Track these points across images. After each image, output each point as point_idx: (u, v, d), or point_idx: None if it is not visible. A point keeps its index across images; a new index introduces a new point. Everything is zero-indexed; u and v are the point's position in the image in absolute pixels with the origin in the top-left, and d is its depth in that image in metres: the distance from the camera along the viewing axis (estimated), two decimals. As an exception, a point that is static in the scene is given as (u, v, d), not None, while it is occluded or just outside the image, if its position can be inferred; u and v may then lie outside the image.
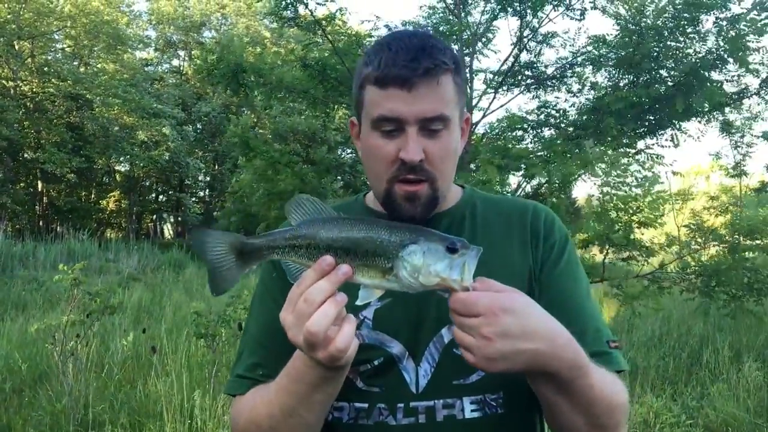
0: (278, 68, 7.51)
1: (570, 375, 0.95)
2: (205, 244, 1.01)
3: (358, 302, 0.95)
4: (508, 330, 0.88)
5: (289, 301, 0.93)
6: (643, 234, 6.04)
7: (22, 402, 4.76)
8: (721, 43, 6.22)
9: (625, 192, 5.69)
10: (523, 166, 6.55)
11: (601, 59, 7.06)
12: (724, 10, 6.18)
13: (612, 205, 5.53)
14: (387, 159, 1.10)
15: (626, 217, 5.54)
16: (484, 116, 7.85)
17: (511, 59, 7.54)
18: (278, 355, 1.11)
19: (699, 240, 6.75)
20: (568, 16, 7.17)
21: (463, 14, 7.41)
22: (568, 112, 7.78)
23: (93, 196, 26.20)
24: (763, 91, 6.92)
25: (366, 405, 1.12)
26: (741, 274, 5.54)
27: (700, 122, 7.18)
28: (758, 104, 7.29)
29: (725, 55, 6.19)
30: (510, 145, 6.74)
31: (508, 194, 7.05)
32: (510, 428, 1.13)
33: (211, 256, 1.01)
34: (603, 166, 5.74)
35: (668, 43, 6.38)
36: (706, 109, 6.73)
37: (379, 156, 1.11)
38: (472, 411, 1.10)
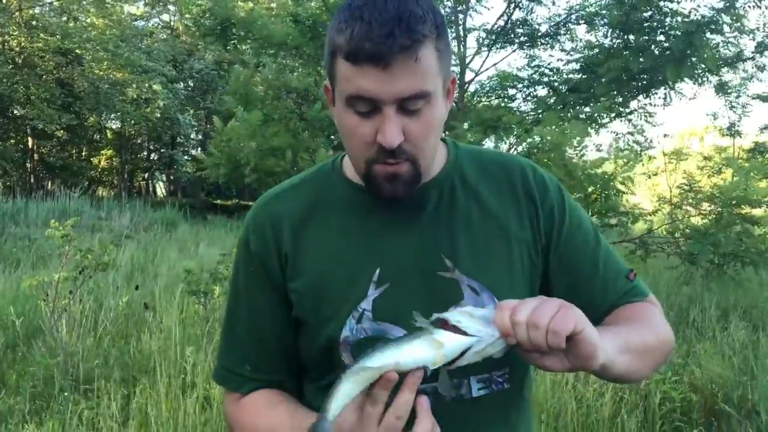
0: (269, 23, 7.39)
1: (615, 352, 0.99)
2: None
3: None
4: (534, 299, 0.93)
5: (368, 420, 0.92)
6: (626, 200, 6.08)
7: (15, 357, 4.81)
8: (716, 3, 6.17)
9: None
10: (514, 131, 6.54)
11: (595, 18, 6.99)
12: None
13: (583, 174, 5.55)
14: (364, 140, 1.02)
15: (596, 189, 5.56)
16: (476, 75, 7.80)
17: (505, 17, 7.46)
18: (264, 352, 1.15)
19: (691, 201, 6.79)
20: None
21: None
22: (562, 70, 7.74)
23: (84, 153, 26.00)
24: (758, 56, 6.90)
25: None
26: (729, 239, 5.59)
27: (695, 83, 7.16)
28: (752, 68, 7.28)
29: (720, 16, 6.13)
30: (502, 105, 6.71)
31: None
32: (513, 401, 1.15)
33: None
34: (578, 139, 5.75)
35: (660, 2, 6.31)
36: (703, 71, 6.71)
37: (355, 137, 1.03)
38: (479, 389, 1.09)
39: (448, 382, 1.01)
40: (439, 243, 1.10)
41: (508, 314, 0.90)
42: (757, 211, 6.11)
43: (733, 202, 5.79)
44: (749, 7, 6.18)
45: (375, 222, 1.12)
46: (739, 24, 6.18)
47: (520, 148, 6.87)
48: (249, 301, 1.18)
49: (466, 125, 6.98)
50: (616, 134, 8.43)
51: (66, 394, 3.81)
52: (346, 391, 0.90)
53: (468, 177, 1.17)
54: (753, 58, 7.03)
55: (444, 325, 0.91)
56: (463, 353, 0.91)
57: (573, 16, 7.38)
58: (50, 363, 4.35)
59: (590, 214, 5.79)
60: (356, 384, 0.91)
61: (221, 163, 7.43)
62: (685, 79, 6.81)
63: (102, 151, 26.53)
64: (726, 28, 6.33)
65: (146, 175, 29.53)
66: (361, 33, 0.94)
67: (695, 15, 6.31)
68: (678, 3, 6.40)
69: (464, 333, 0.90)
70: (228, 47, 7.40)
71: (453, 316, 0.91)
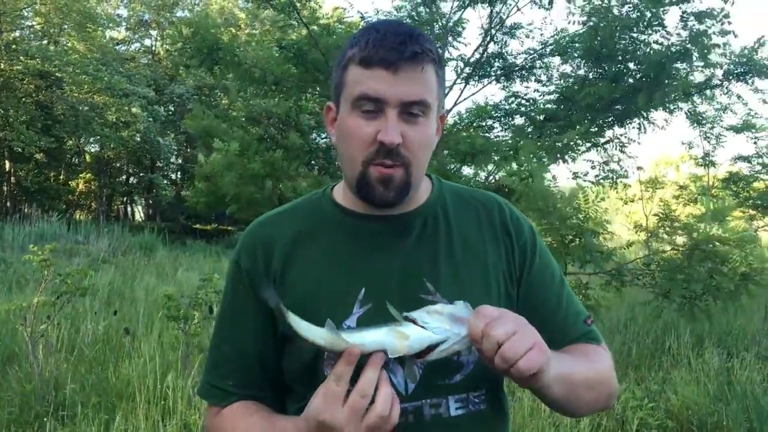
0: (254, 48, 7.46)
1: (563, 367, 1.07)
2: None
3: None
4: (512, 317, 0.98)
5: (331, 399, 0.96)
6: (603, 237, 6.19)
7: (-9, 383, 4.74)
8: (684, 35, 6.36)
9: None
10: (494, 157, 6.66)
11: (568, 50, 7.17)
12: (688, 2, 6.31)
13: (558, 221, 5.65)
14: (365, 140, 1.09)
15: (570, 233, 5.68)
16: (455, 105, 7.94)
17: (481, 50, 7.62)
18: (247, 371, 1.19)
19: (667, 229, 6.90)
20: (536, 4, 7.26)
21: (433, 6, 7.47)
22: (538, 101, 7.91)
23: (62, 176, 25.75)
24: (725, 83, 7.11)
25: None
26: (700, 276, 5.71)
27: (666, 110, 7.35)
28: (725, 95, 7.48)
29: (690, 47, 6.33)
30: (479, 135, 6.83)
31: (479, 185, 7.14)
32: (490, 422, 1.19)
33: None
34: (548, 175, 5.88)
35: (633, 34, 6.50)
36: (673, 98, 6.90)
37: (356, 136, 1.11)
38: (456, 409, 1.13)
39: (414, 373, 1.07)
40: (422, 268, 1.16)
41: (483, 324, 0.96)
42: (728, 248, 6.23)
43: (704, 239, 5.93)
44: (714, 34, 6.39)
45: (362, 245, 1.18)
46: (706, 52, 6.38)
47: (498, 176, 6.98)
48: (236, 318, 1.23)
49: (445, 152, 7.08)
50: (593, 163, 8.57)
51: (45, 420, 3.75)
52: None
53: (450, 209, 1.25)
54: (721, 85, 7.24)
55: (414, 323, 0.97)
56: (431, 349, 0.98)
57: (547, 49, 7.55)
58: (27, 389, 4.30)
59: (565, 255, 5.87)
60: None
61: (203, 194, 7.47)
62: (658, 108, 7.00)
63: (80, 175, 26.27)
64: (694, 56, 6.53)
65: (125, 199, 29.28)
66: (376, 41, 1.07)
67: (665, 44, 6.51)
68: (648, 35, 6.59)
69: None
70: (213, 71, 7.44)
71: (421, 316, 0.98)
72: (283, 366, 1.20)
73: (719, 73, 7.16)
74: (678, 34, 6.56)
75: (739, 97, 7.78)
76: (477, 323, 0.96)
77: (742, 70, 6.98)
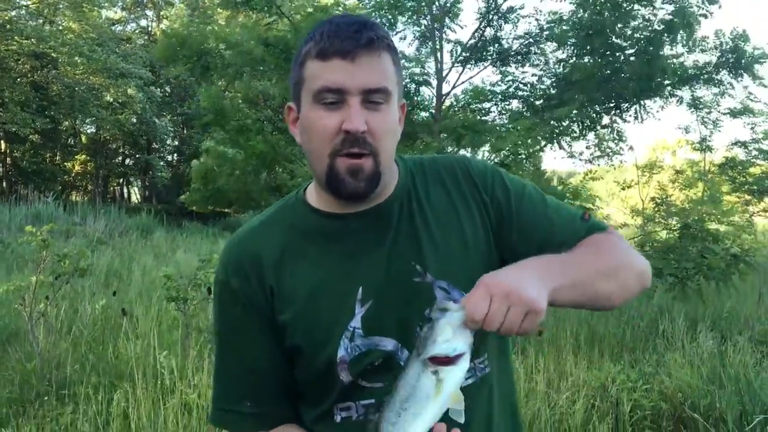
0: (242, 45, 7.41)
1: (563, 273, 1.08)
2: None
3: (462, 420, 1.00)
4: (510, 280, 1.00)
5: None
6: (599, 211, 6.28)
7: (-9, 361, 4.77)
8: (670, 9, 6.38)
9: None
10: (489, 139, 6.69)
11: (561, 34, 7.17)
12: None
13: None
14: (329, 131, 1.08)
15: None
16: (453, 88, 7.94)
17: (477, 34, 7.62)
18: (263, 387, 1.19)
19: (663, 214, 6.96)
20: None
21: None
22: (535, 85, 7.92)
23: (58, 158, 25.69)
24: (720, 72, 7.13)
25: (373, 400, 1.15)
26: (690, 255, 5.76)
27: (662, 98, 7.37)
28: (716, 86, 7.50)
29: (675, 20, 6.34)
30: (475, 118, 6.85)
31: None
32: (497, 379, 1.24)
33: None
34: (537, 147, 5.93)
35: (621, 9, 6.50)
36: (667, 85, 6.93)
37: (320, 129, 1.09)
38: (467, 379, 1.16)
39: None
40: (408, 253, 1.18)
41: (480, 322, 0.97)
42: (722, 228, 6.29)
43: (698, 219, 6.00)
44: (701, 17, 6.43)
45: (349, 246, 1.18)
46: (690, 33, 6.42)
47: (495, 158, 7.00)
48: (241, 338, 1.22)
49: (443, 135, 7.09)
50: (588, 142, 8.60)
51: (47, 398, 3.79)
52: None
53: (419, 186, 1.25)
54: (715, 73, 7.26)
55: (436, 360, 0.97)
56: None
57: (543, 35, 7.54)
58: (27, 368, 4.33)
59: None
60: None
61: (199, 193, 7.52)
62: (653, 96, 7.04)
63: (76, 156, 26.22)
64: (680, 37, 6.56)
65: (121, 181, 29.24)
66: (331, 32, 1.07)
67: (652, 20, 6.55)
68: (636, 11, 6.61)
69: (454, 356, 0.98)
70: (205, 76, 7.44)
71: (441, 348, 0.97)
72: (295, 376, 1.21)
73: (713, 60, 7.19)
74: (663, 8, 6.59)
75: (732, 86, 7.80)
76: (475, 325, 0.98)
77: (733, 59, 7.00)
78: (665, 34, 6.44)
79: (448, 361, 0.96)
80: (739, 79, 7.58)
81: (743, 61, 6.91)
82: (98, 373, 4.35)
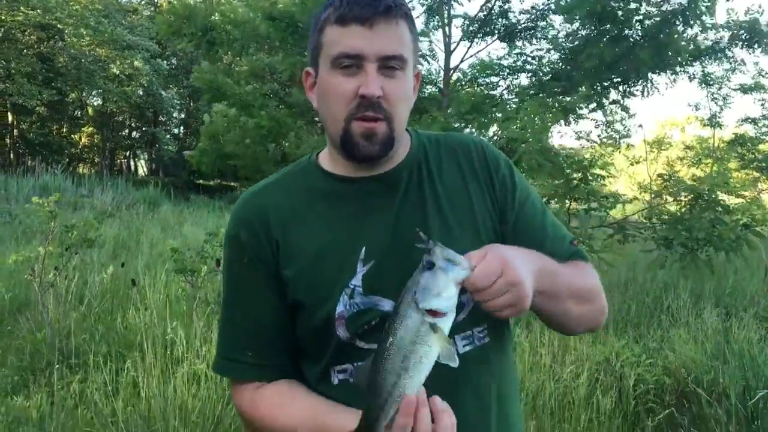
0: (248, 23, 7.33)
1: (552, 282, 1.12)
2: None
3: (453, 364, 1.01)
4: (520, 267, 1.01)
5: None
6: (604, 185, 6.25)
7: (3, 331, 4.83)
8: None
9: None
10: (497, 115, 6.66)
11: (570, 10, 7.08)
12: None
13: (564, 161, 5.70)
14: (346, 96, 1.12)
15: (578, 175, 5.73)
16: (461, 62, 7.89)
17: (486, 7, 7.54)
18: (263, 336, 1.21)
19: (671, 191, 6.94)
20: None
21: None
22: (543, 58, 7.85)
23: (65, 130, 25.71)
24: (731, 48, 7.04)
25: None
26: (702, 224, 5.75)
27: (671, 73, 7.29)
28: (729, 62, 7.40)
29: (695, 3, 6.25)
30: (483, 93, 6.80)
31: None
32: (495, 352, 1.25)
33: None
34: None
35: None
36: (679, 62, 6.85)
37: (337, 94, 1.13)
38: (464, 346, 1.19)
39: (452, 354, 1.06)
40: (414, 219, 1.19)
41: (481, 289, 1.00)
42: (732, 199, 6.27)
43: (708, 189, 5.97)
44: None
45: (356, 206, 1.21)
46: (709, 12, 6.32)
47: (503, 134, 6.97)
48: (246, 290, 1.24)
49: (450, 110, 7.05)
50: (596, 122, 8.55)
51: (57, 366, 3.85)
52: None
53: (431, 159, 1.28)
54: (728, 49, 7.15)
55: (432, 312, 0.98)
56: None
57: (551, 7, 7.45)
58: (37, 338, 4.39)
59: (571, 199, 5.93)
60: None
61: (206, 153, 7.48)
62: (663, 71, 6.96)
63: (83, 128, 26.24)
64: (702, 17, 6.46)
65: (128, 153, 29.28)
66: (350, 0, 1.10)
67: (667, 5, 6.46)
68: None
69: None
70: (211, 52, 7.37)
71: (443, 305, 0.98)
72: (296, 330, 1.23)
73: (726, 36, 7.09)
74: None
75: (743, 62, 7.71)
76: (470, 289, 1.01)
77: (747, 35, 6.90)
78: (679, 17, 6.34)
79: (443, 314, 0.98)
80: (753, 52, 7.46)
81: (757, 33, 6.79)
82: (107, 343, 4.41)
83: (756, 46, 7.00)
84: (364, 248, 1.17)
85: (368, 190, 1.22)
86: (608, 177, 6.18)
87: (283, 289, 1.20)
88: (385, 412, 1.00)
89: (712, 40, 7.12)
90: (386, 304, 1.17)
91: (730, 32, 6.99)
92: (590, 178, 5.90)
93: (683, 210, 6.06)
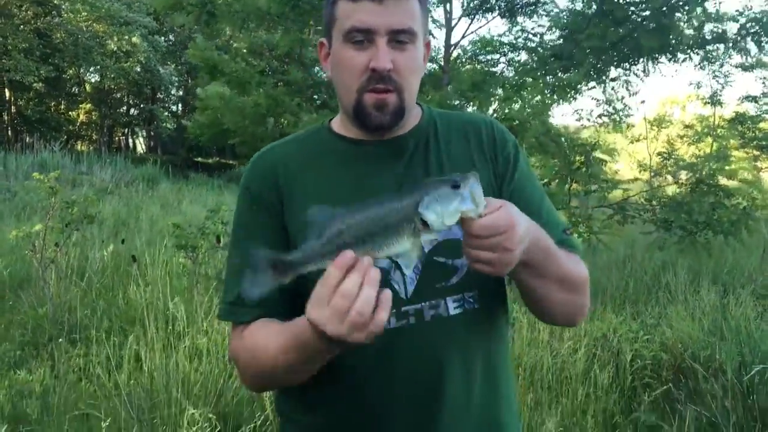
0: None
1: (543, 259, 1.12)
2: (249, 262, 1.05)
3: (406, 272, 1.04)
4: (521, 238, 1.01)
5: (318, 299, 0.97)
6: (610, 167, 6.26)
7: (5, 306, 4.86)
8: None
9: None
10: (499, 93, 6.62)
11: None
12: None
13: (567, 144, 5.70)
14: (358, 69, 1.17)
15: (580, 158, 5.73)
16: (462, 38, 7.82)
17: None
18: None
19: (670, 169, 6.95)
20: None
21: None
22: (544, 35, 7.78)
23: (63, 107, 25.59)
24: (739, 39, 6.94)
25: None
26: (702, 207, 5.76)
27: (673, 61, 7.23)
28: (737, 52, 7.29)
29: None
30: (483, 70, 6.75)
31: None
32: (484, 319, 1.28)
33: (251, 272, 1.05)
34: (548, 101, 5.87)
35: None
36: (683, 49, 6.79)
37: (349, 66, 1.18)
38: (454, 308, 1.22)
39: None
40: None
41: (478, 236, 0.99)
42: (732, 183, 6.28)
43: (710, 174, 5.97)
44: None
45: (362, 167, 1.26)
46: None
47: (503, 115, 6.95)
48: (252, 236, 1.27)
49: (450, 88, 7.00)
50: (597, 101, 8.49)
51: (60, 341, 3.88)
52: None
53: (440, 132, 1.33)
54: (736, 41, 7.05)
55: (423, 223, 0.99)
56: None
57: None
58: (39, 313, 4.42)
59: (572, 182, 5.93)
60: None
61: (204, 126, 7.42)
62: (662, 57, 6.91)
63: (81, 105, 26.09)
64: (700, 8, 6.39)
65: (126, 131, 29.17)
66: None
67: None
68: None
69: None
70: (210, 24, 7.28)
71: (437, 225, 0.98)
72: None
73: (734, 27, 6.98)
74: None
75: (749, 52, 7.58)
76: (466, 230, 1.01)
77: (757, 29, 6.81)
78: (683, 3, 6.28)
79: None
80: (764, 48, 7.41)
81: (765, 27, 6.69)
82: (109, 318, 4.44)
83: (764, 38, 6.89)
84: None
85: (375, 153, 1.26)
86: (611, 161, 6.20)
87: (287, 238, 1.23)
88: (323, 257, 1.00)
89: (715, 31, 7.02)
90: (382, 261, 1.18)
91: (746, 21, 6.87)
92: (592, 161, 5.90)
93: (684, 192, 6.07)
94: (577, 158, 5.82)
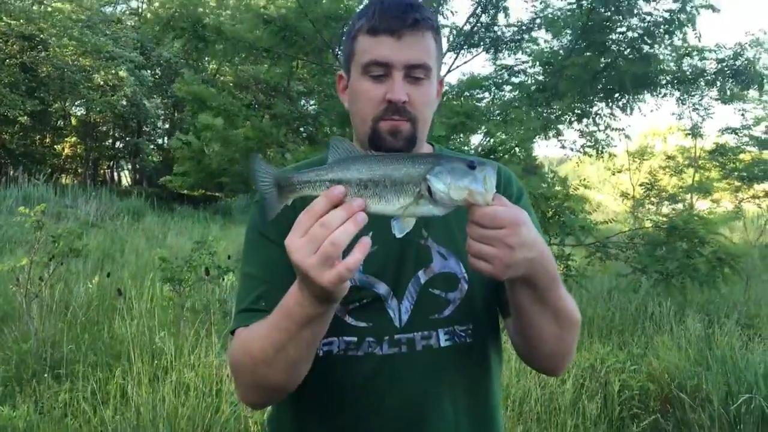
0: (238, 23, 7.31)
1: (547, 283, 1.10)
2: (255, 174, 1.06)
3: (397, 235, 1.01)
4: (525, 240, 0.99)
5: (298, 226, 0.96)
6: (581, 211, 6.29)
7: (-13, 341, 4.79)
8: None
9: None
10: (483, 127, 6.71)
11: (556, 25, 7.14)
12: None
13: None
14: (374, 101, 1.22)
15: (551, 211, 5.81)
16: (447, 72, 7.93)
17: (473, 19, 7.59)
18: (280, 289, 1.15)
19: (653, 200, 7.04)
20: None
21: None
22: (528, 72, 7.92)
23: (48, 140, 25.50)
24: (718, 80, 7.07)
25: (355, 338, 1.24)
26: (676, 254, 5.83)
27: (656, 96, 7.37)
28: (716, 89, 7.42)
29: (676, 19, 6.32)
30: (470, 105, 6.83)
31: (470, 152, 7.20)
32: (475, 355, 1.30)
33: (259, 186, 1.06)
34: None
35: (622, 5, 6.48)
36: (664, 84, 6.93)
37: (366, 98, 1.23)
38: (445, 340, 1.25)
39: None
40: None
41: (481, 223, 0.98)
42: (716, 212, 6.34)
43: (685, 218, 6.07)
44: (701, 8, 6.39)
45: None
46: (691, 24, 6.39)
47: (488, 144, 7.03)
48: (264, 246, 1.28)
49: (436, 120, 7.08)
50: (581, 132, 8.61)
51: (45, 376, 3.83)
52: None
53: None
54: (714, 82, 7.18)
55: (429, 191, 0.99)
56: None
57: (536, 21, 7.52)
58: (23, 348, 4.36)
59: (547, 232, 5.96)
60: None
61: (188, 173, 7.41)
62: (644, 92, 7.04)
63: (66, 138, 26.01)
64: (679, 34, 6.53)
65: (111, 164, 29.08)
66: (381, 12, 1.22)
67: (652, 17, 6.54)
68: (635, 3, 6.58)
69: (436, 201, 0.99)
70: (199, 47, 7.34)
71: (442, 195, 0.98)
72: None
73: (711, 66, 7.12)
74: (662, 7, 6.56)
75: (731, 91, 7.71)
76: (473, 217, 0.99)
77: (732, 71, 6.95)
78: (663, 28, 6.42)
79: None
80: (747, 91, 7.59)
81: (746, 69, 6.81)
82: (94, 352, 4.39)
83: (747, 82, 7.01)
84: (371, 233, 1.19)
85: None
86: (585, 206, 6.24)
87: None
88: (320, 185, 1.01)
89: (694, 68, 7.15)
90: (380, 288, 1.24)
91: (718, 62, 7.02)
92: (565, 211, 5.97)
93: (662, 234, 6.14)
94: (549, 211, 5.90)
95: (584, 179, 6.77)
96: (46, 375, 3.91)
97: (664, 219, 6.66)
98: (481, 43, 7.84)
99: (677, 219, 6.20)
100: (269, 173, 1.05)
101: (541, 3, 7.37)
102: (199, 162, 7.26)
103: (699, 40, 6.70)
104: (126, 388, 3.57)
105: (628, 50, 6.68)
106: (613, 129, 8.17)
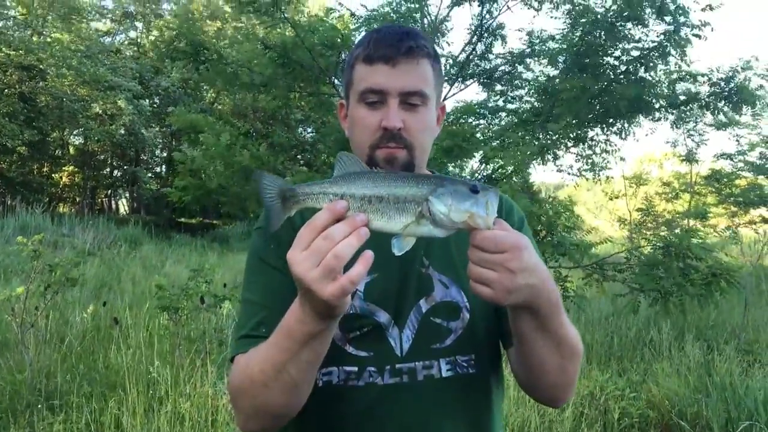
0: (240, 46, 7.40)
1: (549, 311, 1.07)
2: (261, 184, 1.08)
3: (396, 253, 1.00)
4: (527, 265, 0.98)
5: (299, 240, 0.96)
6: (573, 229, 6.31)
7: (-19, 372, 4.75)
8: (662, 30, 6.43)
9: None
10: (480, 153, 6.76)
11: (551, 55, 7.23)
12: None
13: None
14: (370, 128, 1.24)
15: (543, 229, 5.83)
16: (444, 100, 7.99)
17: (469, 48, 7.67)
18: (280, 315, 1.13)
19: (649, 225, 7.05)
20: (526, 4, 7.31)
21: (423, 2, 7.49)
22: (523, 98, 7.99)
23: (46, 169, 25.55)
24: (712, 99, 7.13)
25: (356, 368, 1.22)
26: (672, 272, 5.83)
27: (651, 120, 7.42)
28: (710, 112, 7.48)
29: (665, 42, 6.39)
30: (465, 130, 6.87)
31: (470, 179, 7.22)
32: (477, 385, 1.28)
33: (264, 196, 1.07)
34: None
35: (616, 30, 6.56)
36: (658, 108, 6.99)
37: (363, 125, 1.25)
38: (447, 371, 1.24)
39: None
40: (420, 245, 1.22)
41: (482, 247, 0.98)
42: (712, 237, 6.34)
43: (681, 234, 6.08)
44: (692, 36, 6.45)
45: None
46: (682, 54, 6.47)
47: (484, 172, 7.07)
48: (266, 271, 1.27)
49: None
50: (576, 156, 8.65)
51: (39, 407, 3.79)
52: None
53: None
54: (708, 105, 7.23)
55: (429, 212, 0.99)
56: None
57: (531, 49, 7.59)
58: (18, 379, 4.32)
59: (543, 254, 6.00)
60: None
61: (188, 188, 7.43)
62: (639, 116, 7.10)
63: (64, 167, 26.08)
64: (673, 60, 6.61)
65: (109, 192, 29.11)
66: (377, 41, 1.25)
67: (643, 43, 6.63)
68: (628, 30, 6.66)
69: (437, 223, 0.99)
70: (200, 71, 7.41)
71: (442, 217, 0.98)
72: None
73: (704, 90, 7.19)
74: (654, 30, 6.65)
75: (724, 113, 7.77)
76: (475, 240, 0.99)
77: (726, 92, 7.01)
78: (656, 53, 6.49)
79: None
80: (740, 113, 7.68)
81: (739, 92, 6.87)
82: (89, 383, 4.35)
83: (740, 104, 7.07)
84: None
85: None
86: (577, 226, 6.28)
87: None
88: (323, 197, 1.01)
89: (687, 92, 7.22)
90: (381, 316, 1.23)
91: (711, 85, 7.08)
92: (558, 231, 6.00)
93: (656, 255, 6.14)
94: (543, 230, 5.92)
95: (570, 198, 6.77)
96: (40, 406, 3.87)
97: (662, 235, 6.66)
98: (476, 74, 7.92)
99: (672, 237, 6.20)
100: (275, 184, 1.07)
101: (536, 37, 7.46)
102: (200, 179, 7.29)
103: (689, 65, 6.77)
104: (121, 418, 3.53)
105: (622, 75, 6.74)
106: (608, 152, 8.22)
